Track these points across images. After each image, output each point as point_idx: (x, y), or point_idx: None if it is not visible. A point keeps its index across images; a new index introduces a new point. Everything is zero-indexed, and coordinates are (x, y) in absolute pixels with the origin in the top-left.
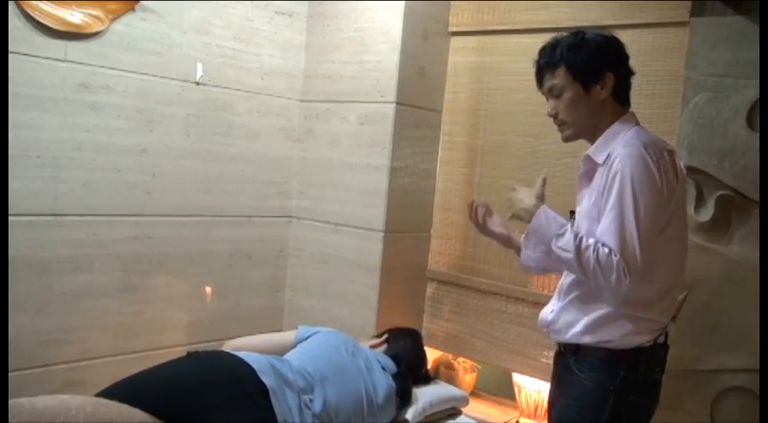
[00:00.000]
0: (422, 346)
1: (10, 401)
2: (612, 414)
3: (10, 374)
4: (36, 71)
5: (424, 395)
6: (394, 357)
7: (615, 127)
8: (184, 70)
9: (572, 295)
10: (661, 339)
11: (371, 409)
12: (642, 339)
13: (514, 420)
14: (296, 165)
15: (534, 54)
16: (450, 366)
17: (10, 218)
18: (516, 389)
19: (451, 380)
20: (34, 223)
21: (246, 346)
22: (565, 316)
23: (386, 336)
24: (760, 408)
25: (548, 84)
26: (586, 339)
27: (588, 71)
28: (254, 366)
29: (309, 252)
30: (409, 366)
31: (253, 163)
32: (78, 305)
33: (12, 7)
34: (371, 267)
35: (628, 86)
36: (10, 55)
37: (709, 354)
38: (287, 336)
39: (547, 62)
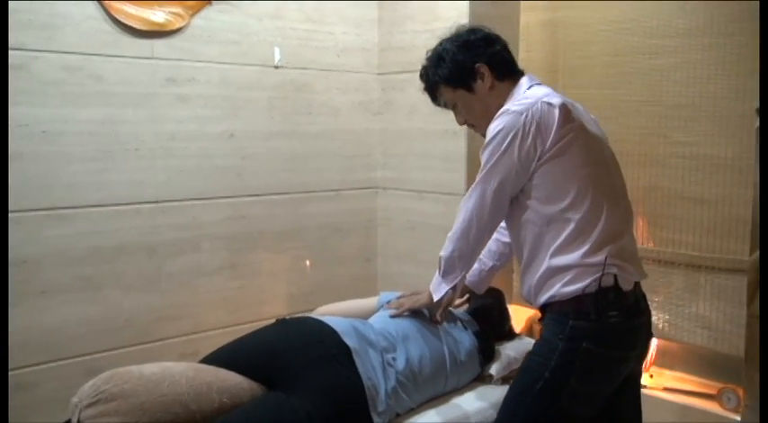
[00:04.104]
0: (504, 304)
1: (121, 369)
2: (563, 359)
3: (130, 349)
4: (126, 70)
5: (509, 351)
6: (475, 315)
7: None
8: (263, 56)
9: (521, 265)
10: (607, 282)
11: (454, 365)
12: (580, 286)
13: None
14: (377, 137)
15: (606, 4)
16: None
17: (119, 208)
18: None
19: None
20: (140, 211)
21: (332, 312)
22: (522, 285)
23: (468, 295)
24: (760, 406)
25: (441, 101)
26: (539, 300)
27: (460, 75)
28: (337, 329)
29: (397, 220)
30: (491, 324)
31: (336, 139)
32: (186, 283)
33: (99, 12)
34: None
35: (506, 60)
36: (102, 57)
37: None
38: (369, 301)
39: (428, 88)
